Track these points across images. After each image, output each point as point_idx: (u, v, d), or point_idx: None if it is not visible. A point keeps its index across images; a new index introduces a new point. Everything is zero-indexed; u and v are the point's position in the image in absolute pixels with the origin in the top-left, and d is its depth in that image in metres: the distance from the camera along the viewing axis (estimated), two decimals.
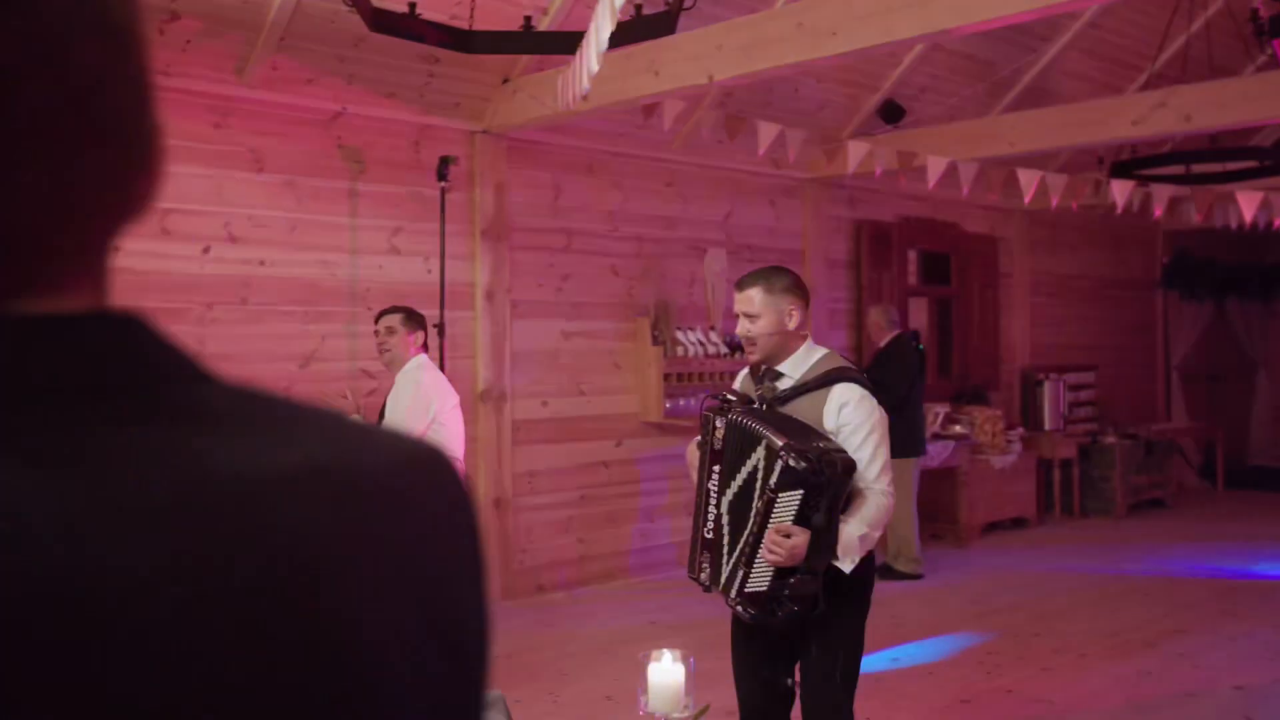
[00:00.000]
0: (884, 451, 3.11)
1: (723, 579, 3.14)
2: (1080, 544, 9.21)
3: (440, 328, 6.41)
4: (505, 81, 6.77)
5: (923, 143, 7.94)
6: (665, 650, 2.37)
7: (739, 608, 3.10)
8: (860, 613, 3.22)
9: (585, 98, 6.11)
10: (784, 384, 3.19)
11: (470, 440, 6.86)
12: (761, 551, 2.98)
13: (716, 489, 3.16)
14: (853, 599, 3.17)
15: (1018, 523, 9.89)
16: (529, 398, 7.19)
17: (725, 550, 3.14)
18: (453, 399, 4.79)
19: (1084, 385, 11.52)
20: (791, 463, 2.90)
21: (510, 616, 6.72)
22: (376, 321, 5.02)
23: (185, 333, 5.77)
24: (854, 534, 3.01)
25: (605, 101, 6.16)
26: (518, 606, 6.96)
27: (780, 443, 2.93)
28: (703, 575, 3.25)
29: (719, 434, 3.15)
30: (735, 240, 8.42)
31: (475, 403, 6.91)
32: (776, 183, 8.70)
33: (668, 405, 7.74)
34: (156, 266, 5.67)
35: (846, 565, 3.01)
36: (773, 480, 2.95)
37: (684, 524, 8.00)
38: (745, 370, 3.44)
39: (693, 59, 5.70)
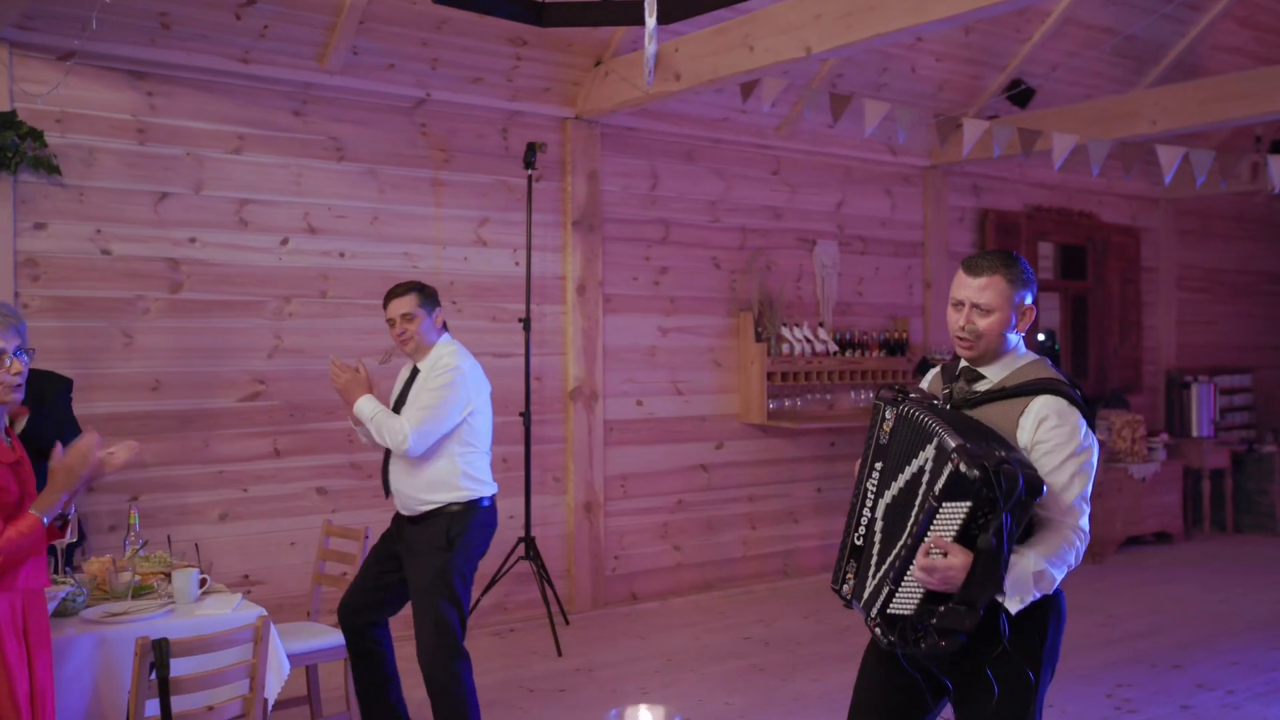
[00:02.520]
0: (1083, 483, 2.63)
1: (865, 594, 2.71)
2: (1232, 564, 8.39)
3: (526, 322, 6.12)
4: (597, 64, 6.45)
5: (1053, 123, 7.29)
6: (643, 709, 1.86)
7: (876, 629, 2.67)
8: (1031, 680, 2.65)
9: (678, 76, 5.75)
10: (981, 387, 2.76)
11: (560, 441, 6.58)
12: (912, 568, 2.55)
13: (875, 489, 2.72)
14: (1026, 659, 2.64)
15: (1161, 538, 9.10)
16: (622, 396, 6.85)
17: (874, 561, 2.70)
18: (488, 387, 4.25)
19: (1239, 389, 10.60)
20: (963, 468, 2.43)
21: (597, 625, 6.40)
22: (385, 306, 4.18)
23: (261, 326, 5.62)
24: (1028, 568, 2.54)
25: (698, 80, 5.78)
26: (607, 615, 6.63)
27: (954, 443, 2.47)
28: (845, 588, 2.80)
29: (887, 427, 2.72)
30: (847, 231, 7.92)
31: (565, 401, 6.60)
32: (893, 170, 8.16)
33: (771, 406, 7.30)
34: (234, 259, 5.53)
35: (1013, 604, 2.54)
36: (938, 486, 2.49)
37: (789, 532, 7.56)
38: (935, 369, 3.00)
39: (788, 30, 5.27)
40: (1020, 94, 7.98)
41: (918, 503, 2.58)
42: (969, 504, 2.47)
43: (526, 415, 6.13)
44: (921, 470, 2.58)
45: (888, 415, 2.74)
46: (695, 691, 5.21)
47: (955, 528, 2.49)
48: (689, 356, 7.14)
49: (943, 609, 2.51)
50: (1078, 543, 2.63)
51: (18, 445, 2.91)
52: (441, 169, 6.17)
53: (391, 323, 4.18)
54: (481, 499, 4.14)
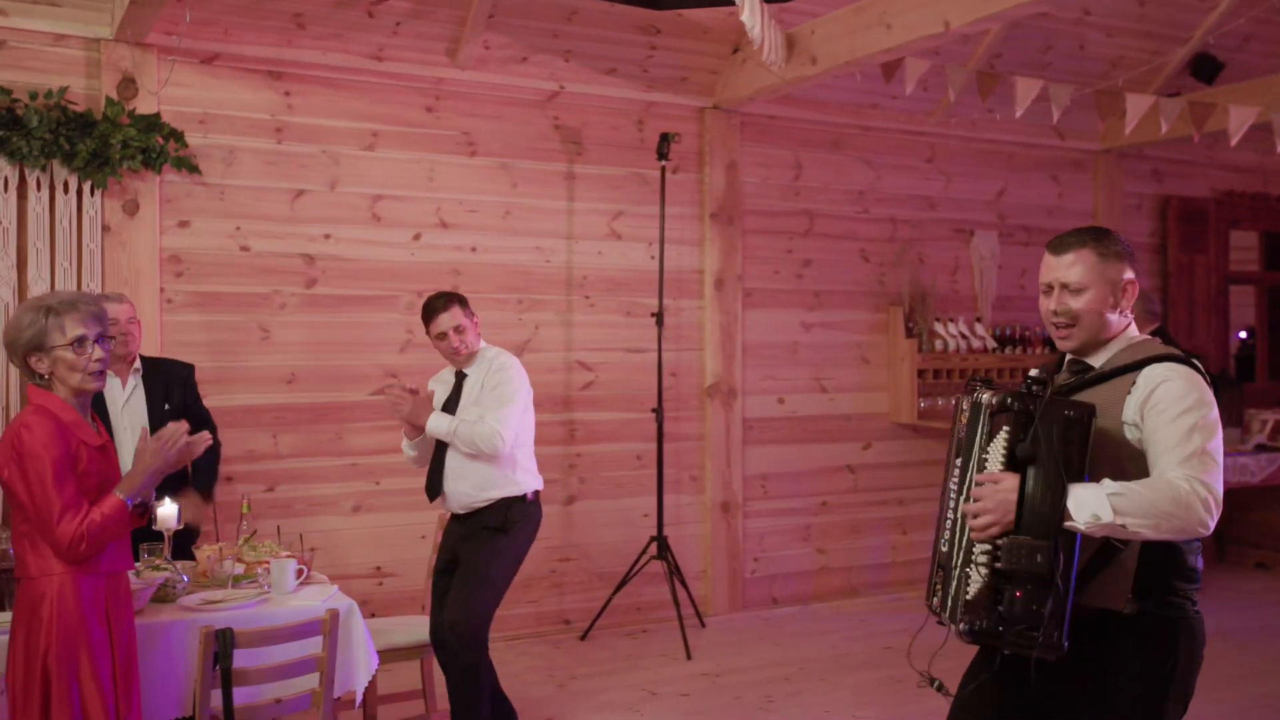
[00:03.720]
0: (1202, 438, 2.29)
1: (950, 603, 2.43)
2: None
3: (659, 317, 5.99)
4: (735, 51, 6.25)
5: (1241, 98, 6.64)
6: None
7: (960, 625, 2.36)
8: (1165, 699, 2.38)
9: (814, 59, 5.51)
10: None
11: (696, 438, 6.42)
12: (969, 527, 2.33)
13: (956, 489, 2.47)
14: (1147, 684, 2.36)
15: None
16: (763, 394, 6.63)
17: (956, 564, 2.43)
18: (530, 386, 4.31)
19: None
20: (994, 400, 2.35)
21: (733, 629, 6.20)
22: (429, 322, 4.18)
23: (394, 320, 5.68)
24: (1100, 491, 2.22)
25: (834, 63, 5.51)
26: (744, 619, 6.42)
27: (986, 394, 2.39)
28: (934, 601, 2.53)
29: (964, 418, 2.48)
30: (1009, 221, 7.45)
31: (702, 398, 6.43)
32: (1060, 155, 7.64)
33: (923, 405, 6.93)
34: (367, 254, 5.60)
35: (1081, 518, 2.22)
36: (982, 437, 2.37)
37: None
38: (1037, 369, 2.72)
39: (926, 5, 4.95)
40: (1206, 69, 7.32)
41: (974, 474, 2.38)
42: (1006, 428, 2.31)
43: (659, 412, 5.99)
44: (984, 447, 2.39)
45: (964, 406, 2.48)
46: (823, 702, 4.96)
47: (1001, 459, 2.32)
48: (834, 353, 6.86)
49: (1003, 541, 2.28)
50: (1193, 497, 2.23)
51: (103, 430, 2.96)
52: (575, 162, 6.10)
53: (443, 336, 4.19)
54: (528, 493, 4.20)
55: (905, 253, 7.05)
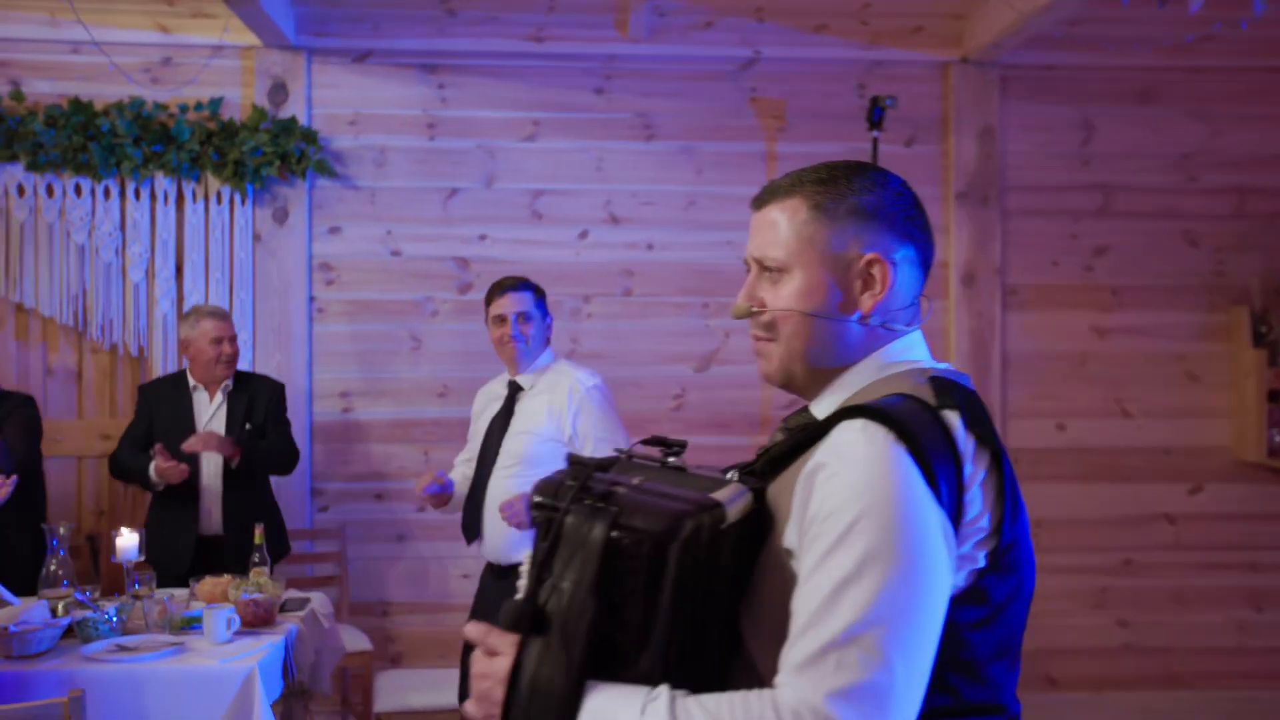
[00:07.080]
0: (857, 605, 1.14)
1: None
2: None
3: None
4: None
5: None
6: None
7: None
8: None
9: None
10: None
11: None
12: None
13: None
14: None
15: None
16: (1035, 418, 5.23)
17: None
18: None
19: None
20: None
21: None
22: (490, 302, 3.71)
23: (558, 329, 5.10)
24: (631, 699, 1.16)
25: None
26: None
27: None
28: None
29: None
30: None
31: None
32: None
33: (1277, 438, 5.10)
34: (526, 255, 5.08)
35: None
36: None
37: None
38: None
39: None
40: None
41: None
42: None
43: None
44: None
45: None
46: None
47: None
48: (1142, 367, 5.25)
49: None
50: None
51: None
52: (776, 140, 5.16)
53: (501, 321, 3.67)
54: None
55: (1257, 233, 5.24)
